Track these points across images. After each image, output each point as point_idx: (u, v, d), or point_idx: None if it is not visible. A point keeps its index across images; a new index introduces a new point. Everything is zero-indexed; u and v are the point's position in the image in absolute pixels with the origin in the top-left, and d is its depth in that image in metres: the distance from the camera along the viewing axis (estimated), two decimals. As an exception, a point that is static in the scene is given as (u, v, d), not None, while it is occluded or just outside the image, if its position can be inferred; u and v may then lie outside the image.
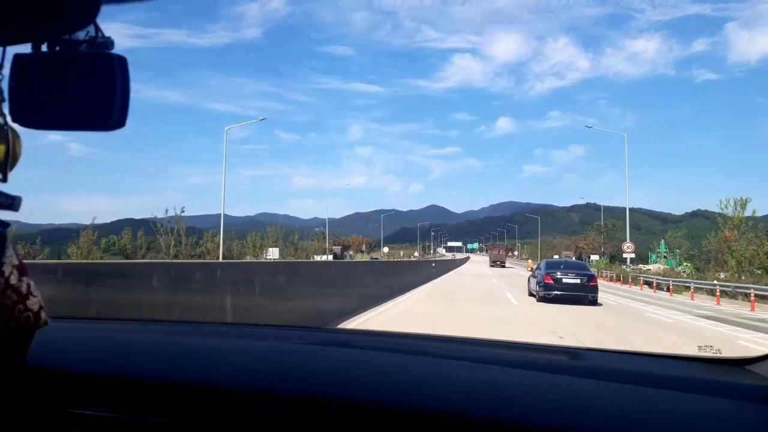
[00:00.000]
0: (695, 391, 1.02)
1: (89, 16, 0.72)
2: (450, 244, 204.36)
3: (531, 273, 20.42)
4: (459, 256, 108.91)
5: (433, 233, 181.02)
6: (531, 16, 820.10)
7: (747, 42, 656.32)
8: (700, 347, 5.80)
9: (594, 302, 16.96)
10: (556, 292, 16.76)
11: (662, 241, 62.66)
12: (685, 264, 46.72)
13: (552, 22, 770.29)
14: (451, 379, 1.10)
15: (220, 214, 35.32)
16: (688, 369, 1.31)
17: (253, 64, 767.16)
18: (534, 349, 1.64)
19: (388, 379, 1.11)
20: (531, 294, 19.32)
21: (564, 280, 16.91)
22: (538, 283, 17.50)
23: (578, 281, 16.93)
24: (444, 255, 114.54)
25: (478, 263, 79.92)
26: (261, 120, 41.16)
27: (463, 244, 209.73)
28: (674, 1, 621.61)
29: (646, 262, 61.89)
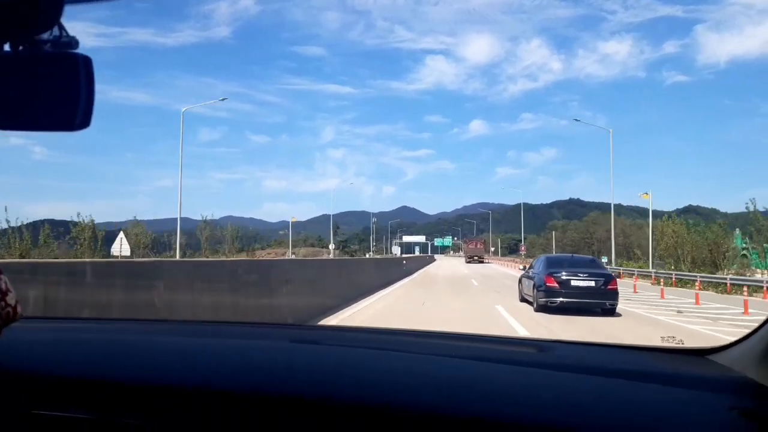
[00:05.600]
0: (657, 381, 1.03)
1: (53, 15, 0.72)
2: (407, 239, 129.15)
3: (523, 272, 16.07)
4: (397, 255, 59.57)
5: (374, 223, 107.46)
6: (504, 16, 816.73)
7: (716, 44, 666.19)
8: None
9: (612, 312, 12.78)
10: (561, 299, 12.60)
11: (736, 233, 41.88)
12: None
13: (525, 23, 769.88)
14: (417, 373, 1.10)
15: (182, 218, 34.09)
16: (651, 360, 1.32)
17: (223, 64, 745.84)
18: (499, 342, 1.68)
19: (357, 375, 1.11)
20: (523, 299, 15.10)
21: (573, 283, 12.73)
22: (537, 286, 13.24)
23: (592, 284, 12.74)
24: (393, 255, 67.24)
25: (454, 278, 29.50)
26: (222, 100, 40.94)
27: (427, 239, 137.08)
28: (646, 3, 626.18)
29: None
